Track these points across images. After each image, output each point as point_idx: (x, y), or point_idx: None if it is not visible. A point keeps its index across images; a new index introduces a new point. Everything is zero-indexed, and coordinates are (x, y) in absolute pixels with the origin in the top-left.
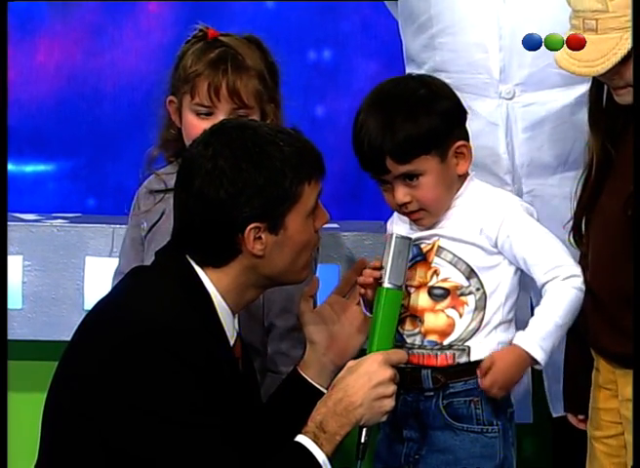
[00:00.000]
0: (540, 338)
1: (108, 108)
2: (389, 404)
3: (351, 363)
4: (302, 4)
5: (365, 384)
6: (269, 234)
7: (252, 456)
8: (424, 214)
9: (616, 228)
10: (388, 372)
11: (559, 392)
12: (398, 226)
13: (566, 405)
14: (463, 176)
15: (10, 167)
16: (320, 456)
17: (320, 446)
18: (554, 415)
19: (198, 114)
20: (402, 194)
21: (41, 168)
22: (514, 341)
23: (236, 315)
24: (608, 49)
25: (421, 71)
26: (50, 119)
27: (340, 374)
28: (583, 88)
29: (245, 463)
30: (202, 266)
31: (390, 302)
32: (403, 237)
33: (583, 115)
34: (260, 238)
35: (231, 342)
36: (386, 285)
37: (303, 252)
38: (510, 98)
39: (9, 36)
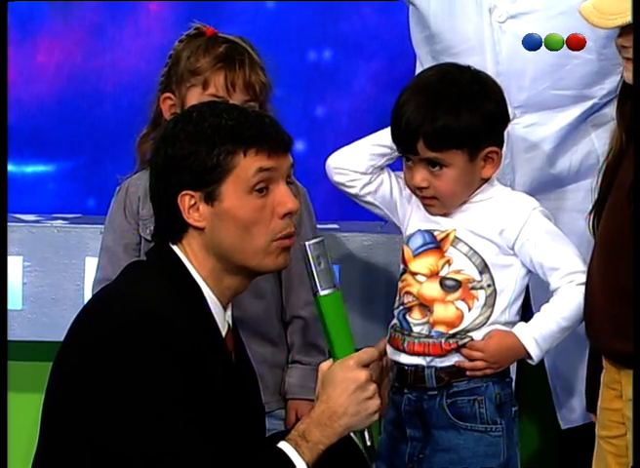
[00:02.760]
0: (540, 336)
1: (109, 108)
2: (374, 404)
3: (324, 370)
4: (302, 4)
5: (343, 392)
6: (205, 205)
7: (231, 454)
8: (436, 203)
9: (618, 224)
10: (363, 374)
11: (569, 405)
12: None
13: (588, 404)
14: (485, 180)
15: (10, 167)
16: (300, 465)
17: (301, 454)
18: (563, 427)
19: None
20: (421, 178)
21: (41, 168)
22: (514, 330)
23: (228, 308)
24: (626, 8)
25: None
26: (50, 119)
27: (318, 387)
28: (583, 106)
29: (220, 462)
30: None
31: (331, 307)
32: (315, 242)
33: (580, 130)
34: (197, 209)
35: (223, 334)
36: (321, 293)
37: (253, 231)
38: (510, 121)
39: (9, 36)
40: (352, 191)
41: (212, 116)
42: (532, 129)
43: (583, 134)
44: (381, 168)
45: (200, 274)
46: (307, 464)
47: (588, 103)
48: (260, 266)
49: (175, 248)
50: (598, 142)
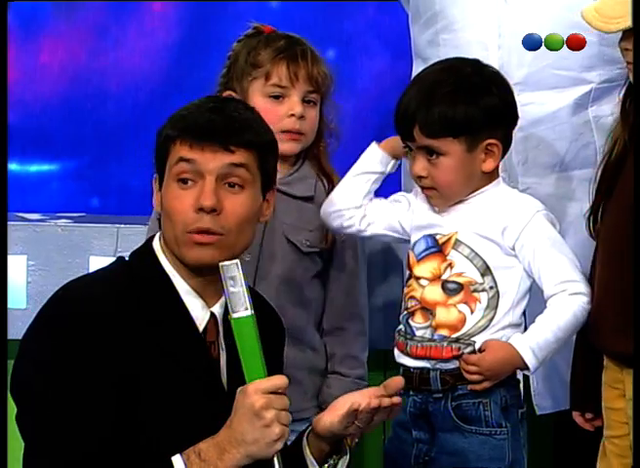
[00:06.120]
0: (537, 346)
1: (112, 108)
2: (272, 432)
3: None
4: (306, 3)
5: (242, 418)
6: (159, 191)
7: (118, 458)
8: (435, 194)
9: (624, 226)
10: (260, 401)
11: (544, 390)
12: (417, 201)
13: (572, 402)
14: (490, 176)
15: (14, 166)
16: None
17: None
18: (538, 413)
19: (272, 97)
20: (419, 167)
21: (45, 167)
22: (511, 341)
23: (214, 300)
24: (628, 11)
25: None
26: (54, 119)
27: None
28: (581, 90)
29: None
30: None
31: (243, 330)
32: (227, 264)
33: (580, 117)
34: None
35: (201, 326)
36: (233, 315)
37: (171, 221)
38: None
39: (13, 36)
40: (353, 230)
41: (189, 105)
42: (529, 107)
43: (584, 123)
44: (371, 194)
45: (174, 267)
46: None
47: (587, 88)
48: (179, 255)
49: (155, 241)
50: (598, 135)
